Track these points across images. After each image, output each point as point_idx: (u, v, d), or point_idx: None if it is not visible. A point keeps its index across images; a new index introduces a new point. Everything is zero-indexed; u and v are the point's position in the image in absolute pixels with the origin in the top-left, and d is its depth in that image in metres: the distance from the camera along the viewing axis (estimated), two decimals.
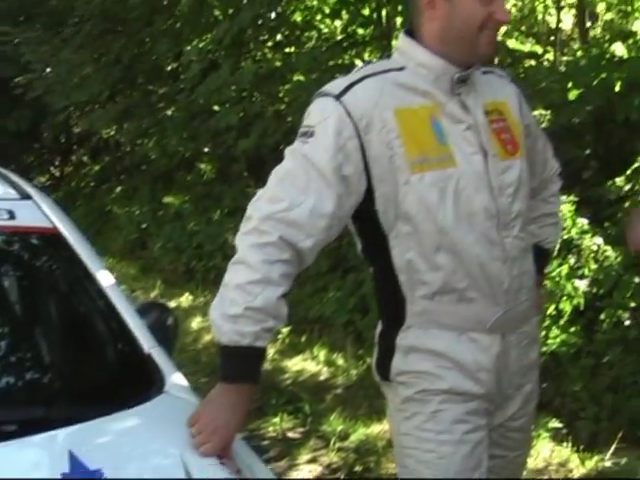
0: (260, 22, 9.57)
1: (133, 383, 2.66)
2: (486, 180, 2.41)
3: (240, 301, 2.22)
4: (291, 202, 2.26)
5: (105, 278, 2.97)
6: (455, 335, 2.42)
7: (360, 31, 8.61)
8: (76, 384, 2.66)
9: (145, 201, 11.85)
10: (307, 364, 6.66)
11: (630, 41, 6.27)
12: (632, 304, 5.40)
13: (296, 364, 6.68)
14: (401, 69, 2.43)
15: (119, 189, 13.16)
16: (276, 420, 5.59)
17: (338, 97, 2.33)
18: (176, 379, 2.68)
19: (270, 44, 10.29)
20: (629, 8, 7.55)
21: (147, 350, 2.71)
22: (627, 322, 5.37)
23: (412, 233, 2.36)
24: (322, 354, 6.74)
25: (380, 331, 2.57)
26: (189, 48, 10.12)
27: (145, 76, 11.98)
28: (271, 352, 6.87)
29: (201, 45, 9.97)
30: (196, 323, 7.82)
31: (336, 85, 2.39)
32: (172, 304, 8.71)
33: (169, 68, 11.84)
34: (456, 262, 2.37)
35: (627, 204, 5.81)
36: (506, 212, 2.44)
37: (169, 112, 11.39)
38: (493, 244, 2.41)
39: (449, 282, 2.39)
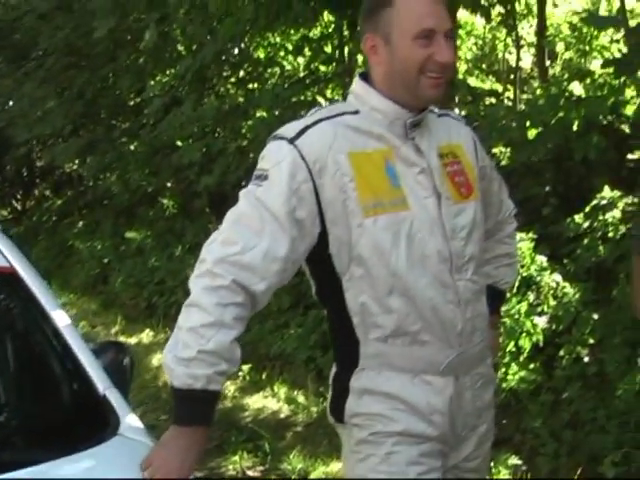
0: (223, 58, 9.63)
1: (88, 425, 2.63)
2: (439, 223, 2.42)
3: (193, 344, 2.20)
4: (244, 245, 2.26)
5: (61, 318, 2.94)
6: (408, 377, 2.41)
7: (322, 68, 8.66)
8: (30, 426, 2.63)
9: (107, 236, 11.82)
10: (267, 401, 6.62)
11: (588, 80, 6.34)
12: (591, 340, 5.43)
13: (256, 401, 6.64)
14: (356, 112, 2.44)
15: (81, 223, 13.12)
16: (236, 458, 5.54)
17: (292, 140, 2.33)
18: (131, 421, 2.64)
19: (233, 80, 10.34)
20: (587, 47, 7.65)
21: (102, 391, 2.68)
22: (586, 358, 5.39)
23: (365, 276, 2.36)
24: (283, 391, 6.71)
25: (334, 373, 2.55)
26: (152, 83, 10.14)
27: (108, 111, 12.01)
28: (231, 389, 6.84)
29: (164, 80, 9.99)
30: (157, 360, 7.75)
31: (290, 128, 2.39)
32: (133, 340, 8.68)
33: (132, 103, 11.84)
34: (409, 305, 2.37)
35: (585, 241, 5.85)
36: (459, 255, 2.45)
37: (132, 147, 11.40)
38: (446, 287, 2.42)
39: (402, 325, 2.38)
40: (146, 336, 8.83)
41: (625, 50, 4.48)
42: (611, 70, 5.21)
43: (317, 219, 2.34)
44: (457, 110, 7.13)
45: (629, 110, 6.30)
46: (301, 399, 6.50)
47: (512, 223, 2.95)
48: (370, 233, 2.33)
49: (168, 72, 10.23)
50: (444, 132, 2.57)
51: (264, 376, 7.09)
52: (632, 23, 5.76)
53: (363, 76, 2.50)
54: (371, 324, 2.39)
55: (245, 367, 7.13)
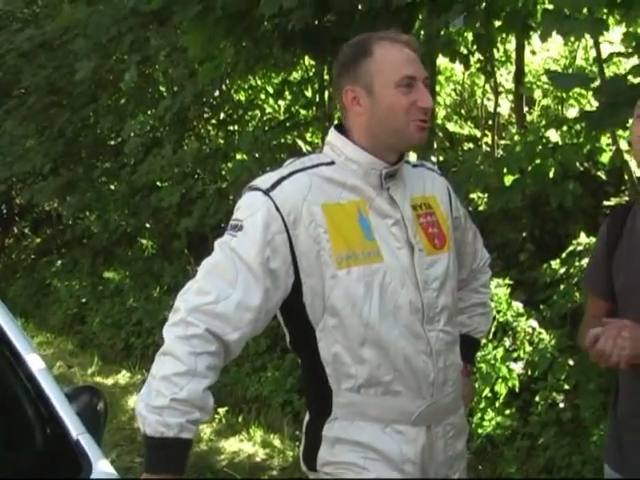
0: (204, 100, 9.68)
1: (60, 470, 2.63)
2: (412, 274, 2.45)
3: (166, 393, 2.21)
4: (218, 295, 2.28)
5: (35, 361, 2.94)
6: (381, 427, 2.43)
7: (302, 112, 8.71)
8: (2, 470, 2.62)
9: (85, 275, 11.81)
10: (243, 445, 6.60)
11: (564, 128, 6.40)
12: (566, 386, 5.46)
13: (232, 445, 6.63)
14: (331, 163, 2.48)
15: (59, 262, 13.07)
16: None
17: (267, 192, 2.36)
18: (103, 466, 2.65)
19: (213, 122, 10.38)
20: (564, 95, 7.72)
21: (75, 436, 2.68)
22: (561, 404, 5.42)
23: (338, 326, 2.38)
24: (259, 435, 6.70)
25: (307, 421, 2.57)
26: (132, 122, 10.17)
27: (88, 150, 12.01)
28: (207, 432, 6.82)
29: (143, 120, 10.01)
30: (133, 401, 7.72)
31: (266, 179, 2.42)
32: (109, 381, 8.64)
33: (112, 143, 11.85)
34: (381, 356, 2.39)
35: (562, 287, 5.89)
36: (431, 306, 2.48)
37: (112, 187, 11.40)
38: (418, 338, 2.44)
39: (375, 375, 2.40)
40: (122, 377, 8.79)
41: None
42: None
43: (291, 269, 2.36)
44: (434, 157, 7.18)
45: (605, 157, 6.35)
46: (277, 443, 6.49)
47: (487, 272, 3.00)
48: (343, 284, 2.36)
49: (149, 112, 10.24)
50: (418, 183, 2.62)
51: (240, 419, 7.09)
52: (609, 72, 5.86)
53: (338, 127, 2.54)
54: (344, 374, 2.41)
55: (221, 410, 7.12)
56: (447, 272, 2.56)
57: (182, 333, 2.26)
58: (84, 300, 11.18)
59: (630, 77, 4.28)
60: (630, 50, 5.06)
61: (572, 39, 6.71)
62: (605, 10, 4.84)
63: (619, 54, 5.64)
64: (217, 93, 9.65)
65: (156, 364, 2.29)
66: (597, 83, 4.78)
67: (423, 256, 2.49)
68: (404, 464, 2.44)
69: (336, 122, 2.62)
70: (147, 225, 10.93)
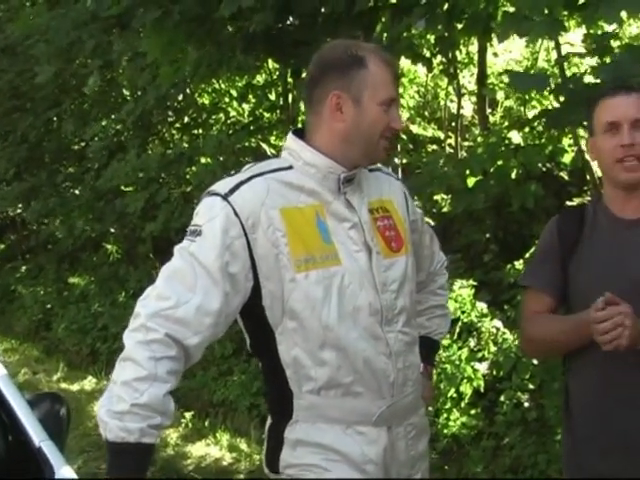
0: (168, 104, 9.65)
1: (22, 477, 2.61)
2: (370, 277, 2.47)
3: (127, 398, 2.21)
4: (178, 300, 2.29)
5: None
6: (342, 428, 2.45)
7: (267, 115, 8.71)
8: None
9: (50, 281, 11.72)
10: (210, 449, 6.58)
11: (526, 129, 6.45)
12: (531, 386, 5.49)
13: (199, 449, 6.60)
14: (289, 168, 2.49)
15: (24, 268, 12.97)
16: None
17: (226, 196, 2.37)
18: (66, 472, 2.63)
19: (177, 126, 10.36)
20: (526, 96, 7.76)
21: (37, 443, 2.67)
22: (526, 404, 5.46)
23: (298, 329, 2.40)
24: (225, 439, 6.68)
25: (269, 425, 2.59)
26: (97, 127, 10.13)
27: (52, 155, 11.94)
28: (174, 437, 6.80)
29: (105, 124, 9.98)
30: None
31: (224, 184, 2.43)
32: (75, 387, 8.59)
33: (76, 147, 11.79)
34: (341, 358, 2.41)
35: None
36: (390, 308, 2.51)
37: (76, 192, 11.34)
38: (377, 339, 2.46)
39: (335, 377, 2.42)
40: (89, 383, 8.74)
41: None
42: None
43: (250, 274, 2.38)
44: (397, 159, 7.21)
45: (567, 158, 6.41)
46: (244, 446, 6.48)
47: (444, 274, 3.04)
48: (302, 287, 2.38)
49: (113, 116, 10.21)
50: (375, 187, 2.65)
51: (207, 423, 7.07)
52: (569, 73, 5.90)
53: (296, 132, 2.57)
54: (304, 376, 2.43)
55: (188, 414, 7.11)
56: (405, 274, 2.59)
57: (142, 338, 2.26)
58: (49, 306, 11.11)
59: (589, 77, 4.32)
60: (588, 50, 5.11)
61: (534, 41, 6.73)
62: (566, 12, 4.89)
63: (578, 54, 5.70)
64: (181, 97, 9.63)
65: (117, 370, 2.29)
66: (556, 83, 4.82)
67: (381, 259, 2.52)
68: (366, 465, 2.46)
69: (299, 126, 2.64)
70: (112, 230, 10.88)
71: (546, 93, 7.38)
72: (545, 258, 2.87)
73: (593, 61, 5.10)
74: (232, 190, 2.39)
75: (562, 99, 4.21)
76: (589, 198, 6.50)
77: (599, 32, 5.10)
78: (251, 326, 2.53)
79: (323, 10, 6.12)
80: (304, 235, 2.41)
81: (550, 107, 6.76)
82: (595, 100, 2.83)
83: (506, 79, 7.35)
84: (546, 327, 2.84)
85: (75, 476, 2.68)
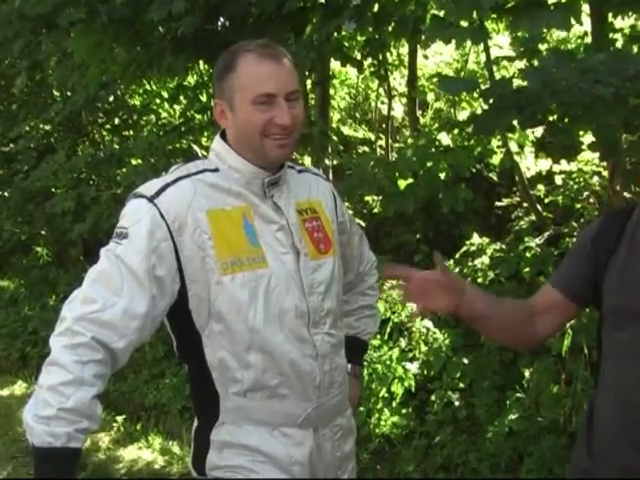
0: (98, 105, 9.56)
1: None
2: (297, 279, 2.49)
3: (53, 402, 2.19)
4: (104, 303, 2.27)
5: None
6: (267, 430, 2.47)
7: (198, 116, 8.68)
8: None
9: None
10: (142, 452, 6.54)
11: (456, 131, 6.50)
12: (461, 385, 5.55)
13: (131, 453, 6.55)
14: (216, 170, 2.50)
15: None
16: None
17: (152, 199, 2.36)
18: None
19: (108, 127, 10.27)
20: (456, 98, 7.83)
21: None
22: (457, 402, 5.50)
23: (224, 332, 2.41)
24: (157, 442, 6.64)
25: (195, 427, 2.60)
26: (27, 129, 10.01)
27: None
28: (105, 441, 6.75)
29: (33, 125, 9.86)
30: None
31: (150, 187, 2.42)
32: (5, 392, 8.49)
33: (5, 149, 11.63)
34: (267, 360, 2.43)
35: None
36: (317, 310, 2.52)
37: (5, 194, 11.19)
38: (303, 341, 2.48)
39: (261, 380, 2.44)
40: (19, 388, 8.64)
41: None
42: None
43: (177, 276, 2.38)
44: (328, 160, 7.22)
45: (495, 159, 6.48)
46: (176, 449, 6.45)
47: (374, 275, 3.07)
48: (228, 290, 2.38)
49: (42, 117, 10.09)
50: (304, 188, 2.67)
51: (139, 427, 7.03)
52: (499, 76, 5.97)
53: (223, 134, 2.56)
54: (230, 379, 2.44)
55: (119, 418, 7.06)
56: (332, 276, 2.61)
57: (68, 342, 2.24)
58: None
59: (516, 80, 4.37)
60: (516, 54, 5.18)
61: (461, 45, 6.81)
62: (494, 15, 4.94)
63: (507, 58, 5.77)
64: (112, 98, 9.54)
65: (43, 374, 2.26)
66: (486, 87, 4.87)
67: (308, 261, 2.54)
68: (292, 466, 2.49)
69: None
70: (42, 232, 10.75)
71: (475, 95, 7.47)
72: (575, 255, 2.59)
73: (522, 64, 5.16)
74: (158, 192, 2.38)
75: (491, 102, 4.24)
76: (518, 199, 6.60)
77: (527, 35, 5.16)
78: (177, 328, 2.52)
79: (254, 11, 6.11)
80: (230, 237, 2.41)
81: (479, 110, 6.83)
82: None
83: (437, 82, 7.44)
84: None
85: None
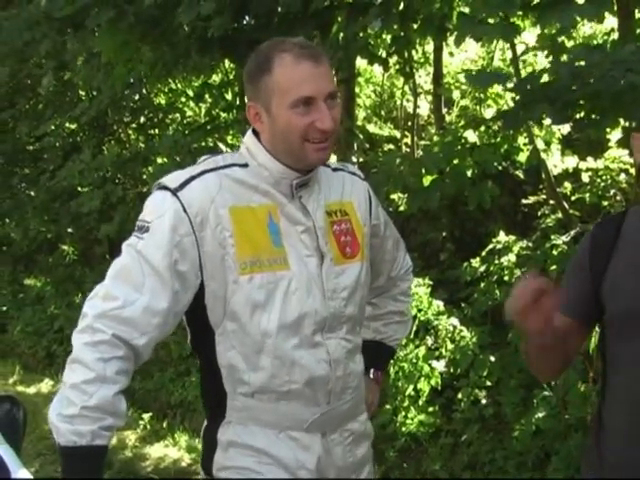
0: (124, 104, 9.61)
1: None
2: (319, 283, 2.42)
3: (76, 401, 2.19)
4: (125, 300, 2.25)
5: None
6: (274, 433, 2.42)
7: (223, 115, 8.69)
8: None
9: (5, 283, 11.64)
10: (168, 450, 6.56)
11: (482, 128, 6.48)
12: (488, 383, 5.53)
13: (157, 451, 6.57)
14: (245, 165, 2.43)
15: None
16: None
17: (176, 191, 2.31)
18: (22, 476, 2.60)
19: (134, 126, 10.31)
20: (482, 95, 7.82)
21: None
22: (484, 401, 5.50)
23: (238, 332, 2.36)
24: (183, 440, 6.65)
25: (205, 426, 2.56)
26: (53, 128, 10.06)
27: (7, 157, 11.82)
28: (132, 439, 6.77)
29: (58, 123, 9.90)
30: None
31: (175, 178, 2.36)
32: (31, 390, 8.52)
33: (31, 148, 11.69)
34: (277, 365, 2.38)
35: (482, 285, 5.97)
36: (337, 315, 2.45)
37: (32, 193, 11.25)
38: (317, 347, 2.42)
39: (269, 384, 2.39)
40: (45, 386, 8.68)
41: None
42: None
43: (199, 271, 2.33)
44: (354, 158, 7.22)
45: (522, 157, 6.46)
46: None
47: (407, 280, 2.96)
48: (245, 290, 2.33)
49: (68, 115, 10.14)
50: (336, 188, 2.58)
51: (165, 425, 7.05)
52: (524, 73, 5.95)
53: (255, 130, 2.46)
54: (238, 380, 2.40)
55: (146, 416, 7.08)
56: (358, 282, 2.53)
57: (89, 339, 2.23)
58: (4, 308, 11.03)
59: (545, 75, 4.36)
60: (544, 50, 5.16)
61: (489, 42, 6.80)
62: (520, 12, 4.92)
63: (534, 48, 5.74)
64: (137, 97, 9.58)
65: (66, 372, 2.25)
66: (512, 83, 4.86)
67: (332, 265, 2.47)
68: (299, 470, 2.44)
69: None
70: (68, 231, 10.80)
71: (501, 93, 7.46)
72: (573, 275, 2.53)
73: (547, 62, 5.15)
74: (182, 185, 2.32)
75: (518, 98, 4.23)
76: (544, 196, 6.57)
77: (553, 32, 5.15)
78: (193, 323, 2.48)
79: (279, 10, 6.12)
80: (253, 236, 2.36)
81: (506, 107, 6.81)
82: None
83: (463, 79, 7.43)
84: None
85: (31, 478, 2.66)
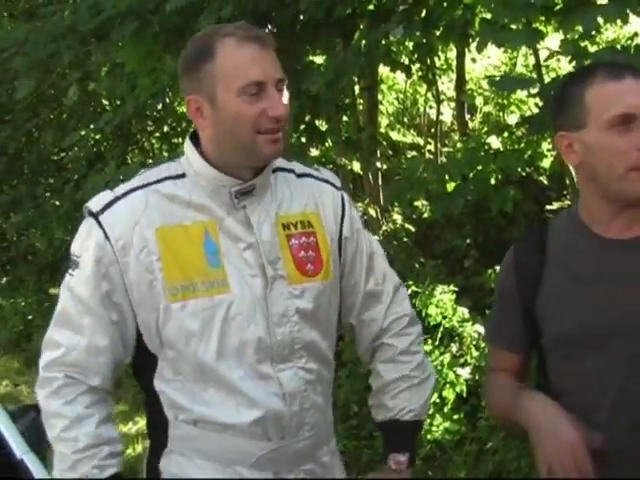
0: (147, 113, 9.64)
1: None
2: (264, 306, 2.19)
3: (67, 451, 2.17)
4: (67, 345, 2.19)
5: None
6: (220, 467, 2.22)
7: None
8: None
9: (30, 292, 11.65)
10: None
11: (505, 134, 6.48)
12: None
13: None
14: (182, 176, 2.22)
15: (4, 280, 12.89)
16: None
17: (97, 215, 2.16)
18: None
19: (157, 135, 10.34)
20: (505, 102, 7.82)
21: (19, 456, 2.66)
22: None
23: (177, 359, 2.20)
24: None
25: (147, 457, 2.38)
26: (78, 137, 10.12)
27: (32, 167, 11.89)
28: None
29: (83, 133, 9.95)
30: None
31: (99, 200, 2.21)
32: None
33: (55, 158, 11.76)
34: (222, 396, 2.19)
35: None
36: (287, 343, 2.22)
37: (56, 202, 11.31)
38: (266, 379, 2.20)
39: (212, 415, 2.20)
40: None
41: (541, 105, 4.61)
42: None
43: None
44: (378, 164, 7.21)
45: (545, 163, 6.44)
46: None
47: (406, 335, 2.49)
48: (177, 319, 2.15)
49: (92, 126, 10.19)
50: (300, 197, 2.32)
51: None
52: (547, 78, 5.93)
53: (193, 135, 2.26)
54: (180, 407, 2.23)
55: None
56: (317, 303, 2.27)
57: (48, 390, 2.21)
58: (30, 317, 11.03)
59: None
60: (567, 55, 5.14)
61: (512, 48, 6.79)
62: (543, 18, 4.91)
63: (557, 52, 5.72)
64: (160, 106, 9.61)
65: (46, 429, 2.23)
66: (537, 88, 4.86)
67: (284, 285, 2.22)
68: None
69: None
70: None
71: (524, 99, 7.45)
72: (503, 306, 2.36)
73: (570, 67, 5.14)
74: (104, 208, 2.17)
75: (542, 104, 4.24)
76: (568, 202, 6.54)
77: (576, 37, 5.14)
78: (135, 347, 2.29)
79: (301, 18, 6.13)
80: (184, 258, 2.16)
81: (529, 113, 6.80)
82: (582, 82, 2.13)
83: (486, 85, 7.42)
84: (497, 397, 2.39)
85: None
